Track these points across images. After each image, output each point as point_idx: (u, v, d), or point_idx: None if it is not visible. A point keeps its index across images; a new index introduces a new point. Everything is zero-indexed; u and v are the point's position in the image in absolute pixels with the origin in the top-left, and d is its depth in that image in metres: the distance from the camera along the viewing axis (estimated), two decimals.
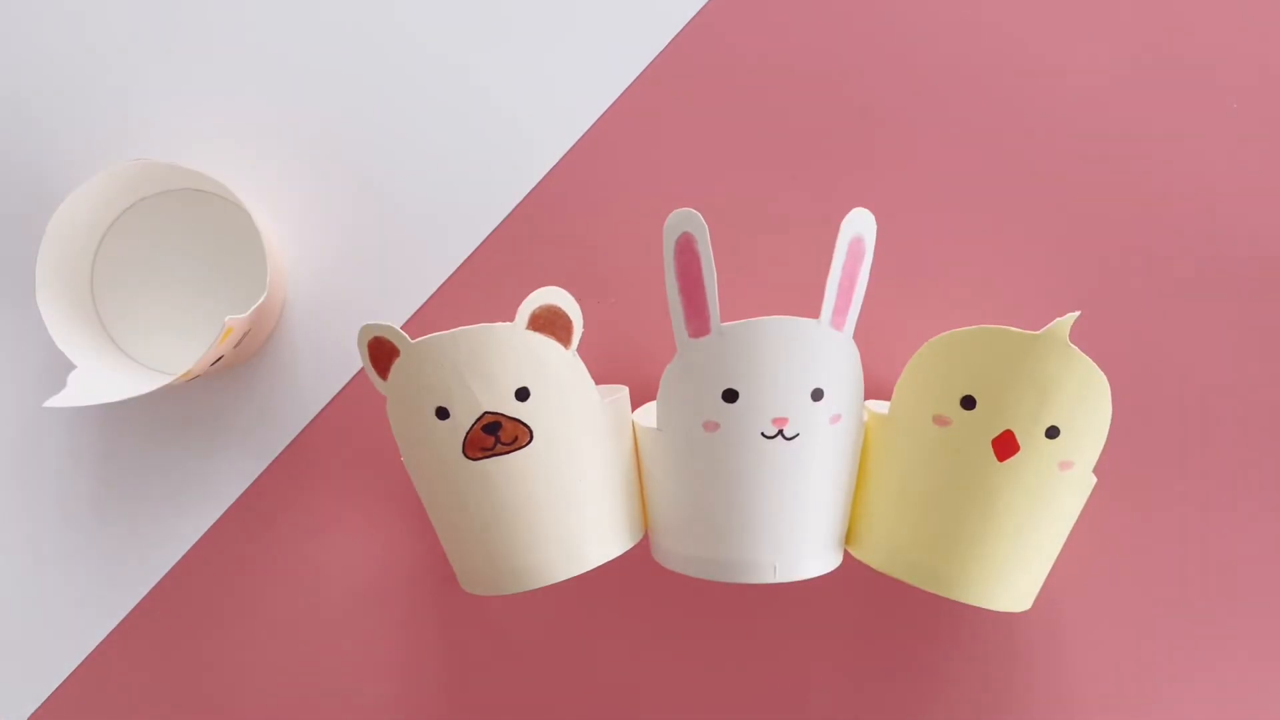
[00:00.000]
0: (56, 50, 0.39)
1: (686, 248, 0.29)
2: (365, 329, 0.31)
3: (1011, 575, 0.32)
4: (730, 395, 0.30)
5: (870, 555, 0.33)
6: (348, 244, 0.40)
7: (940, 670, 0.39)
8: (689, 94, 0.40)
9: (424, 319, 0.39)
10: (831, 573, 0.32)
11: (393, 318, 0.39)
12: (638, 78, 0.40)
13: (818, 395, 0.30)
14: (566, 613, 0.40)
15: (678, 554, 0.32)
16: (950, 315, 0.38)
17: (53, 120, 0.39)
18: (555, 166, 0.40)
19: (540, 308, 0.31)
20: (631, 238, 0.39)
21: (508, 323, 0.30)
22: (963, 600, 0.31)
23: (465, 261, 0.40)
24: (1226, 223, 0.39)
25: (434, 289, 0.40)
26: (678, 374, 0.30)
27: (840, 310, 0.30)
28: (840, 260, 0.29)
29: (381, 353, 0.31)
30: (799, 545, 0.31)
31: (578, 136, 0.40)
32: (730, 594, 0.39)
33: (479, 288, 0.40)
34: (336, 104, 0.40)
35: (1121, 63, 0.40)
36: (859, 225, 0.29)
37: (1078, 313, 0.30)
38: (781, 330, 0.29)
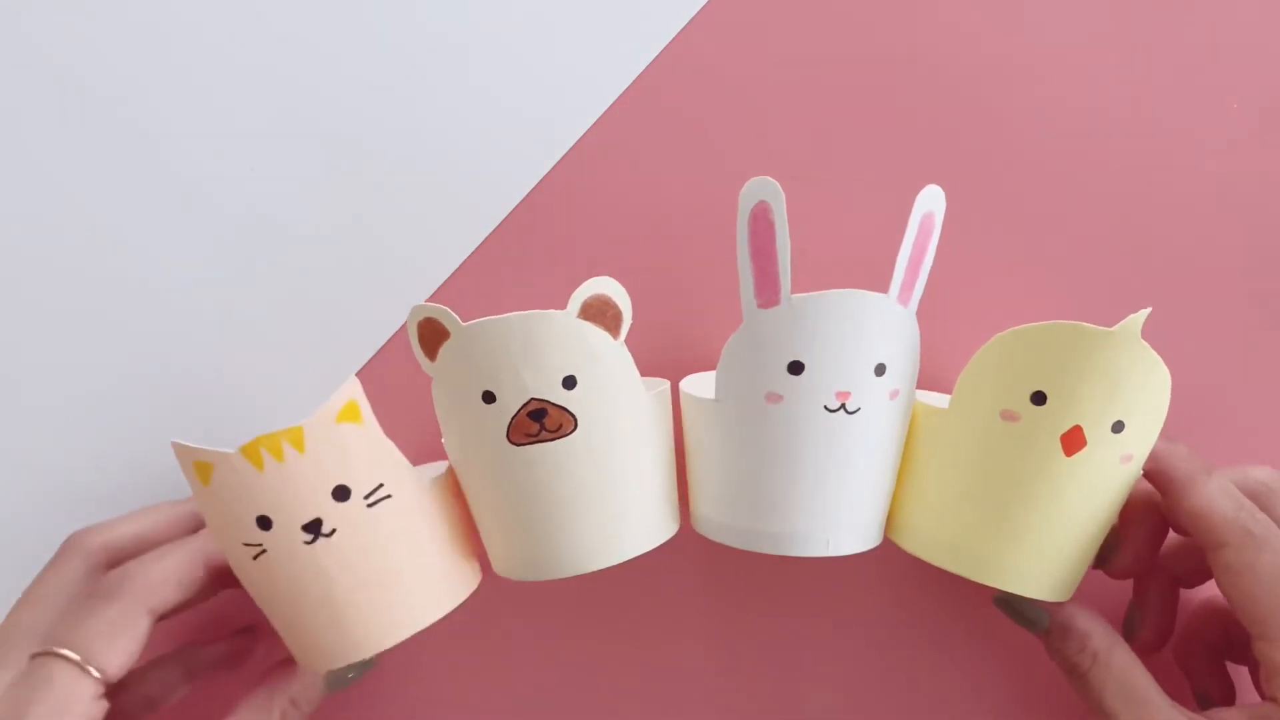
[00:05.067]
0: (56, 48, 0.40)
1: (761, 216, 0.29)
2: (416, 309, 0.31)
3: (1065, 565, 0.32)
4: (796, 367, 0.30)
5: (922, 547, 0.33)
6: (350, 240, 0.40)
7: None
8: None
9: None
10: (874, 565, 0.32)
11: (394, 316, 0.40)
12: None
13: (880, 370, 0.30)
14: (597, 597, 0.39)
15: (726, 526, 0.32)
16: (980, 309, 0.39)
17: (54, 119, 0.40)
18: (563, 157, 0.40)
19: (592, 297, 0.31)
20: (652, 222, 0.40)
21: (560, 310, 0.30)
22: (1016, 590, 0.31)
23: (466, 261, 0.40)
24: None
25: (436, 287, 0.40)
26: (743, 344, 0.31)
27: (907, 286, 0.30)
28: (912, 236, 0.29)
29: (431, 334, 0.31)
30: (851, 519, 0.31)
31: (585, 128, 0.40)
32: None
33: (483, 284, 0.40)
34: (338, 97, 0.40)
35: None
36: (931, 202, 0.30)
37: (1149, 309, 0.30)
38: (852, 303, 0.29)
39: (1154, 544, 0.34)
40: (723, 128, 0.40)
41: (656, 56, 0.41)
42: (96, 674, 0.29)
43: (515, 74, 0.41)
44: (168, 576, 0.31)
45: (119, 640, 0.30)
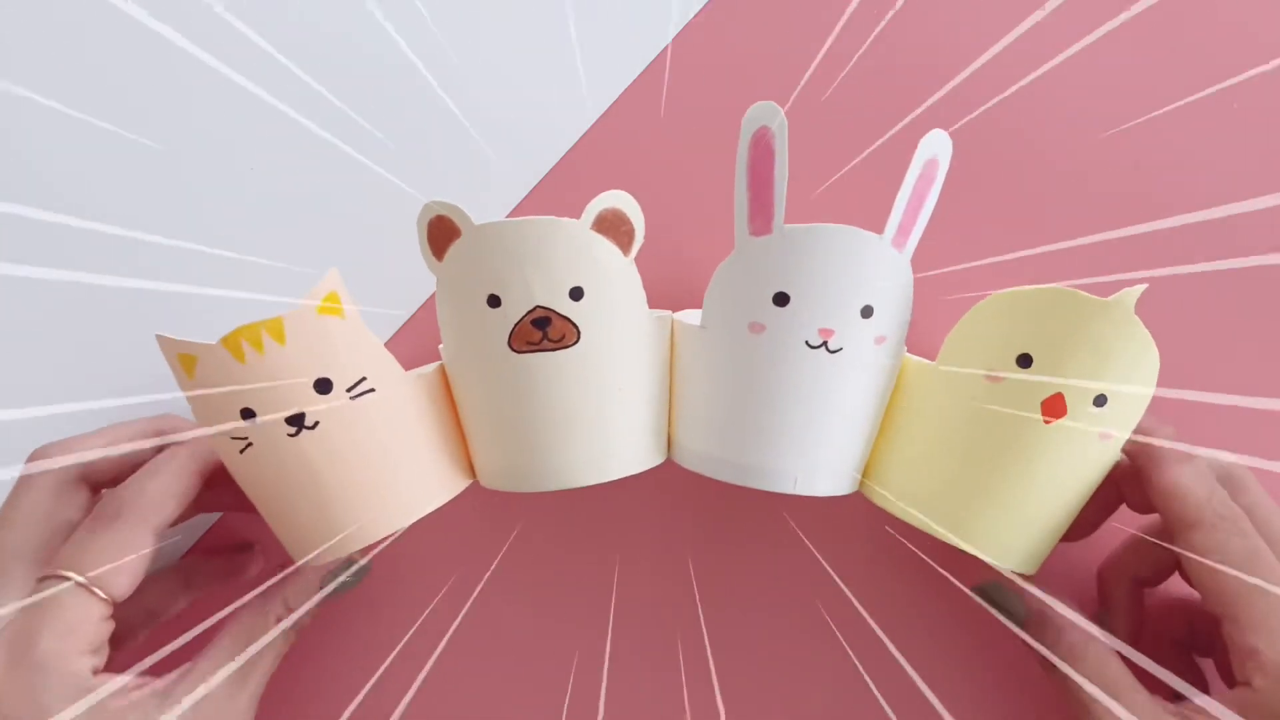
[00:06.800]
0: (54, 46, 0.41)
1: (762, 142, 0.29)
2: (428, 206, 0.30)
3: (1034, 537, 0.31)
4: (781, 299, 0.30)
5: (891, 501, 0.32)
6: (351, 240, 0.41)
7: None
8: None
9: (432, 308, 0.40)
10: (848, 520, 0.31)
11: (397, 311, 0.40)
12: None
13: (867, 312, 0.30)
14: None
15: (699, 453, 0.32)
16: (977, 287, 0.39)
17: (57, 115, 0.41)
18: (559, 162, 0.41)
19: (606, 210, 0.30)
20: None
21: (574, 219, 0.30)
22: (974, 552, 0.30)
23: None
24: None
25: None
26: (732, 271, 0.30)
27: (904, 231, 0.30)
28: (912, 180, 0.29)
29: (440, 233, 0.30)
30: (822, 460, 0.31)
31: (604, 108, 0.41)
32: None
33: None
34: (338, 93, 0.41)
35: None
36: (935, 147, 0.29)
37: (1144, 285, 0.29)
38: (844, 239, 0.29)
39: (1103, 513, 0.34)
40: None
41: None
42: (104, 596, 0.30)
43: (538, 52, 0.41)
44: (168, 491, 0.31)
45: (125, 562, 0.30)
